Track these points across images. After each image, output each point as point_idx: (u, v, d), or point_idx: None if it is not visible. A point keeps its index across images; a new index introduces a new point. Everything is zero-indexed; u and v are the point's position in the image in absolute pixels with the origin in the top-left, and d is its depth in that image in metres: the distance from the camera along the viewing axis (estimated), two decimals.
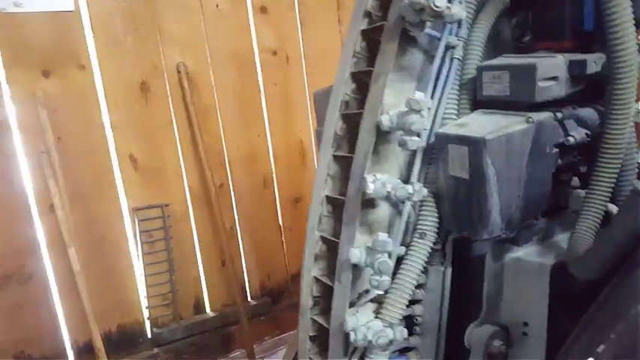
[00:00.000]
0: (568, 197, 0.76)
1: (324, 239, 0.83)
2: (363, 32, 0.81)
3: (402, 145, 0.70)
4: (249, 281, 2.22)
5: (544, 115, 0.67)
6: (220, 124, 2.08)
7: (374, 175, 0.70)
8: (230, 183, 2.13)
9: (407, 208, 0.74)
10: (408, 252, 0.75)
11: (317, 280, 0.83)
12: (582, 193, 0.74)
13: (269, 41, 2.11)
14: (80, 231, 1.84)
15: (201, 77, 2.01)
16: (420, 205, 0.75)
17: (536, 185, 0.69)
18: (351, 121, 0.81)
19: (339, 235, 0.81)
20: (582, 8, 0.70)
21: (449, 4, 0.66)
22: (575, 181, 0.79)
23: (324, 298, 0.84)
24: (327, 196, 0.83)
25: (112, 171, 1.91)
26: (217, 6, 1.99)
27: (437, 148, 0.72)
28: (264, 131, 2.17)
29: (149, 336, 2.03)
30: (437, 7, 0.64)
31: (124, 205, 1.94)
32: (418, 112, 0.67)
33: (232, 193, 2.14)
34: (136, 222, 1.96)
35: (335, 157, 0.82)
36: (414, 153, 0.74)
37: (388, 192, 0.68)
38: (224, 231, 2.07)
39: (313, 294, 0.83)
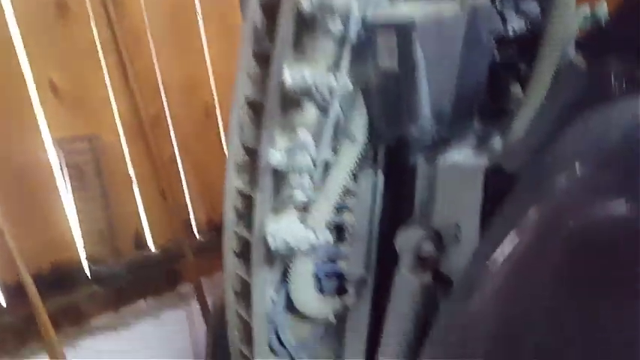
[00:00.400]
0: (505, 97, 0.72)
1: (244, 147, 0.76)
2: None
3: (325, 31, 0.62)
4: (194, 215, 2.15)
5: (480, 0, 0.61)
6: (152, 47, 1.91)
7: (293, 67, 0.62)
8: (167, 113, 1.99)
9: (334, 107, 0.68)
10: (337, 155, 0.69)
11: (240, 192, 0.77)
12: (520, 92, 0.69)
13: None
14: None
15: None
16: (349, 105, 0.69)
17: (470, 77, 0.64)
18: (271, 10, 0.72)
19: (260, 139, 0.74)
20: None
21: None
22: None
23: (248, 211, 0.78)
24: (246, 98, 0.74)
25: (30, 99, 1.73)
26: None
27: (365, 38, 0.65)
28: (203, 55, 2.01)
29: (87, 274, 1.94)
30: None
31: (47, 136, 1.78)
32: None
33: (170, 123, 2.01)
34: (62, 155, 1.82)
35: (255, 53, 0.73)
36: (342, 44, 0.66)
37: (310, 86, 0.61)
38: (161, 163, 1.96)
39: (236, 207, 0.77)
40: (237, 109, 0.76)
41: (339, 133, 0.70)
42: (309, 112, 0.69)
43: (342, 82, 0.63)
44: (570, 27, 0.61)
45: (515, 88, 0.73)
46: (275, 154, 0.65)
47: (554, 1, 0.59)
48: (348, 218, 0.74)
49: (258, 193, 0.70)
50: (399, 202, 0.77)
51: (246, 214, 0.78)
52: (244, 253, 0.79)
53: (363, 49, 0.66)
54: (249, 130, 0.76)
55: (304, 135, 0.63)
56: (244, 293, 0.79)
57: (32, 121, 1.75)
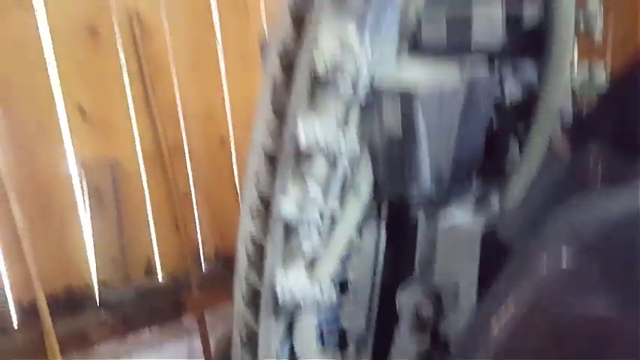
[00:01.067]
0: (503, 159, 0.78)
1: (260, 196, 0.83)
2: None
3: (337, 91, 0.69)
4: (203, 246, 2.22)
5: (480, 70, 0.68)
6: (174, 77, 2.03)
7: (308, 125, 0.70)
8: (184, 141, 2.10)
9: (342, 162, 0.75)
10: (343, 208, 0.75)
11: (253, 239, 0.84)
12: (517, 154, 0.75)
13: None
14: (23, 185, 1.80)
15: (155, 25, 1.95)
16: (356, 163, 0.76)
17: (468, 143, 0.71)
18: (288, 64, 0.79)
19: (274, 189, 0.81)
20: None
21: None
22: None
23: (259, 259, 0.85)
24: (263, 149, 0.82)
25: (58, 121, 1.86)
26: None
27: (372, 98, 0.72)
28: (222, 86, 2.13)
29: (97, 299, 2.02)
30: None
31: (71, 158, 1.90)
32: (351, 51, 0.66)
33: (187, 151, 2.11)
34: (83, 176, 1.93)
35: (272, 105, 0.81)
36: (351, 105, 0.73)
37: (321, 143, 0.68)
38: (177, 192, 2.05)
39: (249, 254, 0.84)
40: (254, 158, 0.83)
41: (346, 187, 0.77)
42: (319, 164, 0.76)
43: (351, 140, 0.70)
44: (564, 96, 0.68)
45: (513, 149, 0.79)
46: (286, 206, 0.71)
47: (549, 68, 0.66)
48: (351, 273, 0.80)
49: (269, 243, 0.77)
50: (400, 259, 0.82)
51: (257, 261, 0.84)
52: (253, 300, 0.84)
53: (370, 110, 0.73)
54: (264, 179, 0.82)
55: (314, 189, 0.69)
56: (250, 340, 0.84)
57: (58, 141, 1.87)
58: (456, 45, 0.67)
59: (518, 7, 0.66)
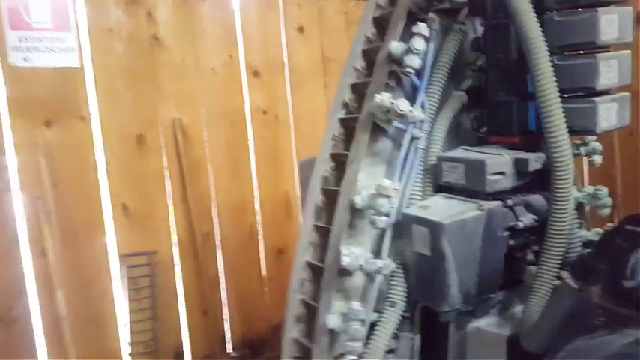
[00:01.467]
0: (522, 272, 0.87)
1: (304, 303, 0.91)
2: (341, 120, 0.93)
3: (372, 223, 0.80)
4: (230, 331, 2.26)
5: (494, 204, 0.79)
6: (210, 176, 2.18)
7: (348, 248, 0.80)
8: (216, 232, 2.21)
9: (379, 278, 0.84)
10: (380, 319, 0.83)
11: (296, 341, 0.91)
12: (534, 268, 0.84)
13: (260, 101, 2.25)
14: (68, 275, 1.89)
15: (195, 132, 2.13)
16: (391, 275, 0.85)
17: (490, 264, 0.80)
18: (329, 195, 0.92)
19: (317, 298, 0.90)
20: (527, 113, 0.83)
21: (411, 108, 0.78)
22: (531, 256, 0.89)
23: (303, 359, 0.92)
24: (307, 262, 0.92)
25: (104, 217, 1.98)
26: (213, 68, 2.14)
27: (403, 226, 0.83)
28: (252, 183, 2.27)
29: None
30: (401, 110, 0.76)
31: (113, 251, 2.00)
32: (386, 196, 0.77)
33: (218, 241, 2.21)
34: (124, 268, 2.01)
35: (316, 226, 0.92)
36: (384, 233, 0.84)
37: (361, 265, 0.78)
38: (207, 280, 2.12)
39: (293, 355, 0.91)
40: (298, 269, 0.93)
41: (382, 297, 0.85)
42: (359, 281, 0.85)
43: (385, 263, 0.80)
44: (570, 223, 0.77)
45: (531, 262, 0.87)
46: (332, 318, 0.80)
47: (555, 199, 0.75)
48: None
49: (314, 347, 0.84)
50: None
51: None
52: None
53: (401, 234, 0.84)
54: (307, 287, 0.92)
55: (357, 305, 0.78)
56: None
57: (103, 236, 1.98)
58: (473, 184, 0.78)
59: (523, 154, 0.78)
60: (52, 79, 1.87)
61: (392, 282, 0.85)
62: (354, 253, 0.79)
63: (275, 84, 2.27)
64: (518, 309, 0.87)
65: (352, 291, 0.85)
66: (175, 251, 2.13)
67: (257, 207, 2.28)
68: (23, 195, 1.83)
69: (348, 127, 0.93)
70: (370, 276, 0.85)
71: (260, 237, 2.30)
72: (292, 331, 0.91)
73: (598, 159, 0.99)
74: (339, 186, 0.90)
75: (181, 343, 2.15)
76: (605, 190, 0.98)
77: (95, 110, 1.96)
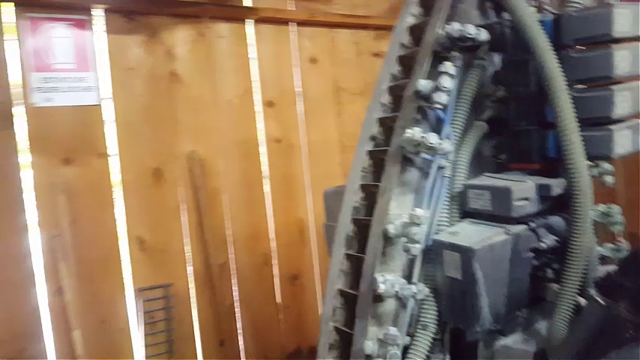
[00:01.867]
0: (545, 290, 0.91)
1: (337, 330, 0.96)
2: (369, 152, 0.99)
3: (406, 251, 0.85)
4: None
5: (520, 228, 0.84)
6: (226, 206, 2.23)
7: (383, 275, 0.85)
8: (232, 261, 2.25)
9: (410, 303, 0.88)
10: (413, 342, 0.88)
11: None
12: (556, 286, 0.88)
13: (274, 131, 2.32)
14: (84, 313, 1.91)
15: (211, 163, 2.19)
16: (422, 300, 0.89)
17: (517, 284, 0.85)
18: (360, 224, 0.97)
19: (351, 325, 0.94)
20: (546, 141, 0.89)
21: (440, 141, 0.84)
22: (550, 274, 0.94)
23: None
24: (340, 290, 0.96)
25: (120, 252, 2.02)
26: (229, 101, 2.22)
27: (434, 252, 0.88)
28: (266, 212, 2.32)
29: None
30: (431, 143, 0.83)
31: (129, 286, 2.03)
32: (419, 224, 0.83)
33: (234, 271, 2.25)
34: (140, 303, 2.04)
35: (347, 255, 0.97)
36: (416, 259, 0.89)
37: (396, 291, 0.83)
38: (223, 310, 2.15)
39: None
40: (330, 297, 0.97)
41: (413, 323, 0.89)
42: (391, 305, 0.90)
43: (419, 288, 0.85)
44: (590, 240, 0.82)
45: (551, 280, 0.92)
46: (368, 345, 0.84)
47: (576, 220, 0.80)
48: None
49: None
50: None
51: None
52: None
53: (431, 259, 0.89)
54: (339, 314, 0.96)
55: (393, 330, 0.82)
56: None
57: (119, 272, 2.01)
58: (500, 210, 0.84)
59: (545, 180, 0.84)
60: (72, 118, 1.94)
61: (423, 306, 0.89)
62: (389, 280, 0.84)
63: (289, 114, 2.35)
64: (541, 325, 0.92)
65: (385, 317, 0.90)
66: (191, 283, 2.16)
67: (272, 235, 2.33)
68: (41, 232, 1.86)
69: (376, 158, 0.99)
70: (402, 301, 0.90)
71: (275, 264, 2.34)
72: (326, 358, 0.95)
73: (609, 179, 1.04)
74: (370, 215, 0.95)
75: None
76: (616, 208, 1.03)
77: (114, 146, 2.03)
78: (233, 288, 2.26)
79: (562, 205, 0.90)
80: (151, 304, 2.06)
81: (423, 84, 0.86)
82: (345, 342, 0.95)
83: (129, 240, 2.04)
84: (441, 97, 0.84)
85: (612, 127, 0.80)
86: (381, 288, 0.82)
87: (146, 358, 2.03)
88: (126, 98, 2.02)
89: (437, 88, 0.84)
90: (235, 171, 2.26)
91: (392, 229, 0.86)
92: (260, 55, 2.28)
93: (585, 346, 0.69)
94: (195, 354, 2.17)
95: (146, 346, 2.04)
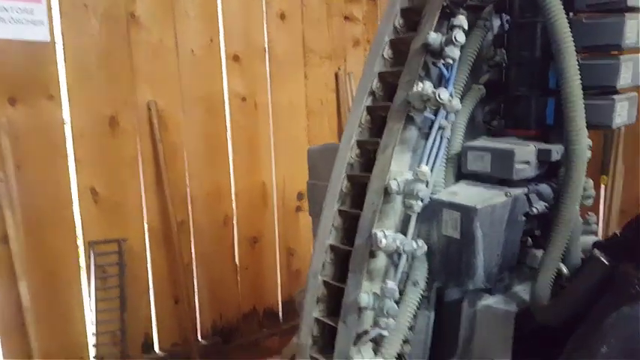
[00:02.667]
0: (526, 255, 0.93)
1: (325, 284, 0.93)
2: (368, 108, 0.95)
3: (409, 208, 0.83)
4: (200, 320, 2.22)
5: (519, 191, 0.84)
6: (186, 163, 2.13)
7: (383, 231, 0.83)
8: (190, 220, 2.16)
9: (403, 260, 0.87)
10: (404, 298, 0.87)
11: (317, 320, 0.93)
12: (539, 252, 0.91)
13: (239, 87, 2.22)
14: (32, 264, 1.78)
15: (171, 116, 2.07)
16: (412, 258, 0.88)
17: (510, 246, 0.86)
18: (355, 182, 0.94)
19: (339, 279, 0.92)
20: (545, 107, 0.89)
21: (450, 98, 0.82)
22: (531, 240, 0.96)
23: (322, 338, 0.93)
24: (331, 245, 0.93)
25: (71, 203, 1.88)
26: (192, 51, 2.08)
27: (431, 211, 0.87)
28: (228, 172, 2.24)
29: None
30: (441, 99, 0.80)
31: (81, 238, 1.91)
32: (424, 181, 0.81)
33: (192, 230, 2.17)
34: (92, 256, 1.92)
35: (340, 211, 0.94)
36: (413, 214, 0.87)
37: (397, 246, 0.81)
38: (182, 268, 2.08)
39: (313, 334, 0.92)
40: (319, 252, 0.94)
41: (403, 278, 0.89)
42: (382, 261, 0.88)
43: (421, 244, 0.84)
44: (576, 210, 0.84)
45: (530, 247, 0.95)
46: (364, 297, 0.82)
47: (568, 189, 0.82)
48: (407, 349, 0.90)
49: (341, 325, 0.87)
50: (445, 337, 0.93)
51: (319, 339, 0.93)
52: None
53: (427, 218, 0.87)
54: (329, 269, 0.94)
55: (391, 284, 0.81)
56: None
57: (70, 223, 1.88)
58: (500, 172, 0.84)
59: (546, 145, 0.84)
60: (19, 54, 1.74)
61: (414, 264, 0.89)
62: (390, 235, 0.82)
63: (255, 70, 2.25)
64: (518, 288, 0.94)
65: (376, 272, 0.88)
66: (147, 239, 2.06)
67: (233, 195, 2.25)
68: None
69: (375, 114, 0.95)
70: (392, 258, 0.89)
71: (235, 225, 2.27)
72: (314, 311, 0.93)
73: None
74: (364, 172, 0.92)
75: (150, 333, 2.09)
76: (590, 182, 1.07)
77: (64, 89, 1.86)
78: (191, 246, 2.18)
79: (549, 173, 0.91)
80: (103, 258, 1.95)
81: (434, 37, 0.82)
82: (333, 296, 0.93)
83: (81, 190, 1.90)
84: (454, 52, 0.82)
85: (615, 97, 0.81)
86: (383, 242, 0.80)
87: (97, 312, 1.94)
88: (78, 38, 1.85)
89: (449, 42, 0.81)
90: (197, 127, 2.15)
91: (394, 186, 0.83)
92: (227, 3, 2.15)
93: (580, 305, 0.70)
94: (149, 311, 2.09)
95: (97, 301, 1.93)
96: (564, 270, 0.88)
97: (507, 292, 0.94)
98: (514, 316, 0.87)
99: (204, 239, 2.20)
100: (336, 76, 2.44)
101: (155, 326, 2.11)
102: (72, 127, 1.87)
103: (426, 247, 0.85)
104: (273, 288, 2.42)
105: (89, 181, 1.91)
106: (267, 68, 2.27)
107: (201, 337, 2.23)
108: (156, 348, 2.11)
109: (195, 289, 2.20)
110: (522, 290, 0.93)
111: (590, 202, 1.05)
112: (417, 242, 0.83)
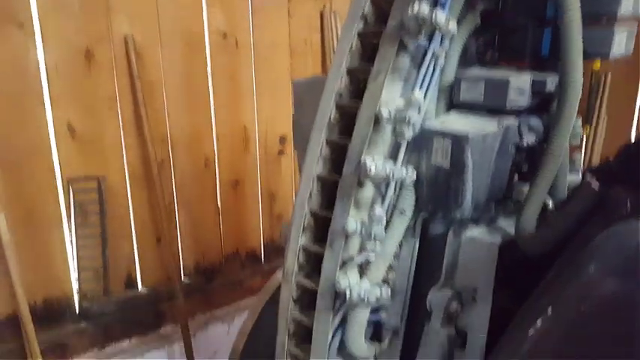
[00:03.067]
0: (512, 190, 0.93)
1: (312, 213, 0.91)
2: (359, 34, 0.90)
3: (400, 135, 0.80)
4: (183, 260, 2.21)
5: (510, 121, 0.82)
6: (165, 101, 2.04)
7: (372, 158, 0.80)
8: (171, 161, 2.10)
9: (391, 188, 0.85)
10: (391, 225, 0.86)
11: (303, 248, 0.92)
12: (525, 187, 0.90)
13: (220, 23, 2.10)
14: (11, 199, 1.72)
15: (149, 52, 1.96)
16: (401, 187, 0.87)
17: (498, 177, 0.84)
18: (344, 111, 0.90)
19: (326, 209, 0.90)
20: (541, 37, 0.86)
21: (447, 19, 0.77)
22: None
23: (308, 264, 0.93)
24: (318, 176, 0.91)
25: (48, 139, 1.80)
26: None
27: (422, 140, 0.84)
28: (209, 112, 2.17)
29: (77, 310, 1.94)
30: (437, 20, 0.76)
31: (58, 175, 1.84)
32: (417, 108, 0.78)
33: (173, 171, 2.11)
34: (70, 193, 1.87)
35: (327, 141, 0.91)
36: (398, 141, 0.85)
37: (387, 174, 0.79)
38: (164, 208, 2.04)
39: (299, 260, 0.91)
40: (307, 182, 0.92)
41: (394, 209, 0.87)
42: (369, 190, 0.87)
43: (411, 172, 0.81)
44: (566, 144, 0.83)
45: (519, 183, 0.94)
46: (352, 223, 0.81)
47: (560, 122, 0.80)
48: (391, 276, 0.90)
49: (327, 250, 0.85)
50: (427, 266, 0.94)
51: (305, 266, 0.92)
52: (301, 298, 0.92)
53: (417, 147, 0.85)
54: (316, 199, 0.92)
55: (379, 210, 0.79)
56: (297, 333, 0.92)
57: (47, 159, 1.80)
58: (493, 101, 0.81)
59: (541, 75, 0.82)
60: None
61: (402, 192, 0.87)
62: (380, 162, 0.80)
63: (236, 5, 2.13)
64: (503, 222, 0.94)
65: (363, 201, 0.86)
66: (127, 179, 2.01)
67: (214, 137, 2.19)
68: None
69: (366, 41, 0.90)
70: (379, 187, 0.87)
71: (216, 168, 2.23)
72: (299, 239, 0.91)
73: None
74: (354, 102, 0.89)
75: (133, 270, 2.07)
76: (579, 121, 1.05)
77: (36, 17, 1.73)
78: (172, 188, 2.13)
79: (540, 107, 0.89)
80: (83, 195, 1.90)
81: None
82: (319, 226, 0.92)
83: (56, 126, 1.81)
84: None
85: (615, 27, 0.78)
86: (372, 170, 0.78)
87: (78, 249, 1.90)
88: None
89: None
90: (176, 65, 2.05)
91: (385, 113, 0.80)
92: None
93: (568, 231, 0.70)
94: (132, 249, 2.07)
95: (78, 238, 1.89)
96: (550, 204, 0.88)
97: (492, 224, 0.93)
98: (497, 248, 0.87)
99: (186, 181, 2.15)
100: (321, 15, 2.34)
101: (138, 264, 2.09)
102: (45, 59, 1.76)
103: (415, 175, 0.83)
104: (255, 231, 2.42)
105: (65, 116, 1.82)
106: (249, 3, 2.15)
107: (184, 277, 2.23)
108: (138, 285, 2.10)
109: (178, 230, 2.18)
110: (507, 224, 0.94)
111: (577, 141, 1.04)
112: (406, 169, 0.81)
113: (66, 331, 1.89)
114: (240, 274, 2.39)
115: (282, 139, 2.38)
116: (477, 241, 0.89)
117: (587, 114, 2.25)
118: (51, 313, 1.87)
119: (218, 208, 2.28)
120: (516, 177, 0.95)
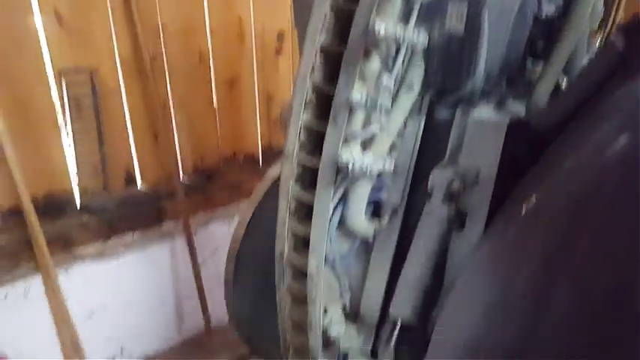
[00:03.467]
0: (524, 70, 0.87)
1: (315, 88, 0.86)
2: None
3: None
4: (182, 160, 2.18)
5: None
6: None
7: (381, 21, 0.73)
8: (164, 55, 1.99)
9: (400, 59, 0.79)
10: (397, 100, 0.81)
11: (305, 126, 0.87)
12: (539, 68, 0.84)
13: None
14: (2, 92, 1.64)
15: None
16: (411, 55, 0.80)
17: (514, 47, 0.78)
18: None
19: (329, 84, 0.85)
20: None
21: None
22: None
23: (310, 142, 0.89)
24: (321, 47, 0.84)
25: (35, 27, 1.68)
26: None
27: (435, 7, 0.76)
28: (203, 3, 2.01)
29: (77, 205, 1.94)
30: None
31: (48, 65, 1.74)
32: None
33: (166, 66, 2.01)
34: (63, 85, 1.78)
35: (331, 6, 0.82)
36: (410, 5, 0.77)
37: (397, 37, 0.72)
38: (158, 104, 1.97)
39: (300, 137, 0.87)
40: (309, 54, 0.85)
41: (400, 84, 0.82)
42: (375, 63, 0.80)
43: (423, 34, 0.74)
44: (586, 21, 0.76)
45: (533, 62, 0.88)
46: (357, 94, 0.75)
47: None
48: (394, 155, 0.87)
49: (330, 127, 0.81)
50: (431, 147, 0.90)
51: (307, 144, 0.89)
52: (302, 176, 0.89)
53: (431, 16, 0.78)
54: (319, 73, 0.85)
55: (388, 80, 0.74)
56: (298, 211, 0.90)
57: (35, 48, 1.69)
58: None
59: None
60: None
61: (411, 66, 0.81)
62: (390, 25, 0.73)
63: None
64: (513, 105, 0.89)
65: (370, 74, 0.80)
66: (120, 71, 1.91)
67: (207, 31, 2.06)
68: None
69: None
70: (386, 62, 0.81)
71: (211, 65, 2.12)
72: (301, 115, 0.86)
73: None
74: None
75: (132, 167, 2.05)
76: (602, 3, 0.97)
77: None
78: (167, 84, 2.04)
79: None
80: (75, 88, 1.81)
81: None
82: (321, 102, 0.86)
83: (42, 12, 1.68)
84: None
85: None
86: (382, 32, 0.71)
87: (75, 144, 1.86)
88: None
89: None
90: None
91: None
92: None
93: (585, 100, 0.65)
94: (129, 146, 2.02)
95: (74, 132, 1.84)
96: (564, 82, 0.83)
97: (502, 106, 0.89)
98: (505, 127, 0.83)
99: (179, 77, 2.05)
100: None
101: (136, 161, 2.06)
102: None
103: (427, 40, 0.76)
104: (252, 135, 2.36)
105: (52, 2, 1.68)
106: None
107: (184, 175, 2.21)
108: (138, 182, 2.09)
109: (174, 129, 2.12)
110: (517, 106, 0.89)
111: (596, 24, 0.96)
112: (418, 32, 0.74)
113: (69, 224, 1.90)
114: (238, 176, 2.38)
115: (280, 36, 2.25)
116: (484, 119, 0.84)
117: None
118: (53, 207, 1.87)
119: (214, 109, 2.20)
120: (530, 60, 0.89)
